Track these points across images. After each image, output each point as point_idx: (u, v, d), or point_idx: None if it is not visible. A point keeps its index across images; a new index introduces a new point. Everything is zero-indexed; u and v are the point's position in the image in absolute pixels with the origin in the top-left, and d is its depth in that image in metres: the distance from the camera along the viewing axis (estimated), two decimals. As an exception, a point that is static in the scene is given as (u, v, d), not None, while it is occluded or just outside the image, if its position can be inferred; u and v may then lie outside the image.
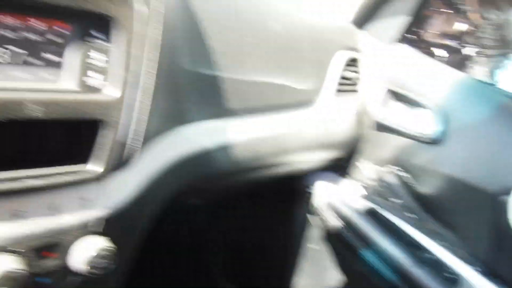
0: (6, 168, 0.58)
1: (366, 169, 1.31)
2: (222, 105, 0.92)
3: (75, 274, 0.66)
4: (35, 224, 0.61)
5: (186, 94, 0.84)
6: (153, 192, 0.76)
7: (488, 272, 1.02)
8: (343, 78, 1.25)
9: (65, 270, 0.65)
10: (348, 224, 1.24)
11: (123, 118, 0.66)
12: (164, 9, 0.72)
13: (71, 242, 0.64)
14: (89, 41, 0.64)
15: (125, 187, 0.71)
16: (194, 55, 0.86)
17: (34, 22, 0.60)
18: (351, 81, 1.28)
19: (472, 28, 1.37)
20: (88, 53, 0.64)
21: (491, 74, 1.30)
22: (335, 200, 1.29)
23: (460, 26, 1.39)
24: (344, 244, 1.26)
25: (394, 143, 1.24)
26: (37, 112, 0.58)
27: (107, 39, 0.65)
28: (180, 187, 0.85)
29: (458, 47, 1.37)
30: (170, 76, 0.78)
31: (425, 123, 1.15)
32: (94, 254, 0.65)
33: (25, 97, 0.57)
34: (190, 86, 0.85)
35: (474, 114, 1.10)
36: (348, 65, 1.26)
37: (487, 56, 1.33)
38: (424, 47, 1.36)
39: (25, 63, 0.60)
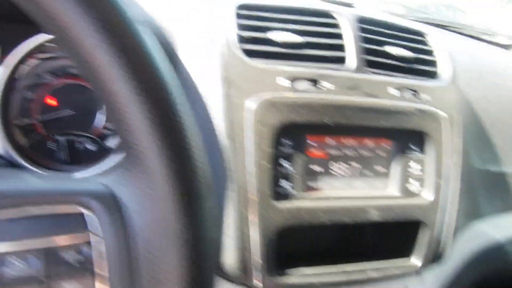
0: (351, 261, 0.73)
1: None
2: (509, 199, 0.96)
3: None
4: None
5: (478, 191, 0.90)
6: (458, 284, 0.83)
7: None
8: None
9: None
10: None
11: (438, 218, 0.76)
12: (461, 119, 0.82)
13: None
14: (407, 154, 0.77)
15: (439, 279, 0.79)
16: (481, 154, 0.93)
17: (366, 141, 0.75)
18: None
19: None
20: (408, 163, 0.77)
21: None
22: None
23: None
24: None
25: None
26: (375, 216, 0.72)
27: (421, 151, 0.77)
28: (475, 279, 0.90)
29: None
30: (467, 177, 0.86)
31: None
32: None
33: (367, 204, 0.72)
34: (481, 183, 0.91)
35: None
36: None
37: None
38: None
39: (361, 174, 0.75)
